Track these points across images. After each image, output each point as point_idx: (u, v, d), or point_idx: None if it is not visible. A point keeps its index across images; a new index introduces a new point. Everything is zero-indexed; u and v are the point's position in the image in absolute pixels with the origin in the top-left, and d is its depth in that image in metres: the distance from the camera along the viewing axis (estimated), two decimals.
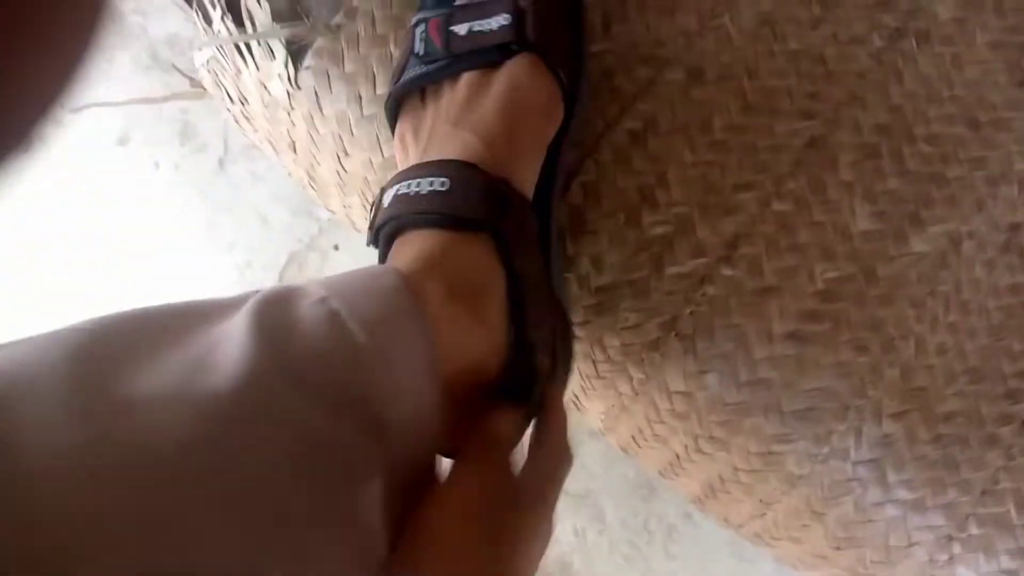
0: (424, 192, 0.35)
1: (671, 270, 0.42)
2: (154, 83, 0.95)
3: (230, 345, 0.27)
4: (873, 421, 0.40)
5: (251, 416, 0.25)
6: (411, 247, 0.36)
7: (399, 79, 0.41)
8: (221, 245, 0.97)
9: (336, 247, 0.96)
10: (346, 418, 0.28)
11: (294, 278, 0.94)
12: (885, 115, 0.44)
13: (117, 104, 0.55)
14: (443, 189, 0.35)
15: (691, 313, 0.42)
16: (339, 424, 0.27)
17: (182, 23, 0.99)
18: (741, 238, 0.42)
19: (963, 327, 0.42)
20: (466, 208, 0.35)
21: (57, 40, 0.15)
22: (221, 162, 0.99)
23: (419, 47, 0.40)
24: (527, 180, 0.38)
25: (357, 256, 0.94)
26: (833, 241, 0.42)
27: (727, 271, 0.42)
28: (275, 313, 0.29)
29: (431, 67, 0.39)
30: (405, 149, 0.41)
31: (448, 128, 0.38)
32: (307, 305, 0.30)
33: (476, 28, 0.39)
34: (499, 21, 0.39)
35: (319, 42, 0.47)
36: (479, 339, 0.34)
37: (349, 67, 0.46)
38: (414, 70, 0.40)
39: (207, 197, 0.98)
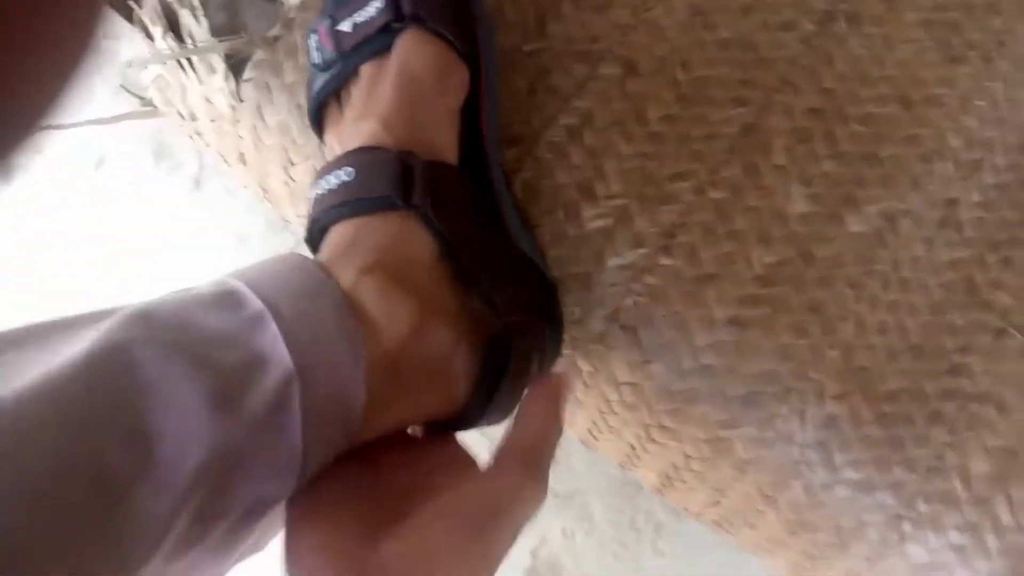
0: (333, 187, 0.36)
1: (612, 262, 0.42)
2: (125, 106, 0.96)
3: (89, 333, 0.28)
4: (816, 403, 0.40)
5: (94, 374, 0.26)
6: (328, 241, 0.36)
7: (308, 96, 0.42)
8: (199, 264, 0.97)
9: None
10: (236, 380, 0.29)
11: None
12: (817, 98, 0.44)
13: (66, 127, 0.56)
14: (348, 179, 0.36)
15: (633, 304, 0.42)
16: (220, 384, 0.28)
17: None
18: (679, 227, 0.42)
19: (904, 305, 0.42)
20: (371, 189, 0.35)
21: (49, 55, 0.15)
22: (196, 181, 0.99)
23: (315, 57, 0.41)
24: (440, 147, 0.39)
25: None
26: (770, 226, 0.42)
27: (666, 260, 0.42)
28: (158, 301, 0.30)
29: (329, 74, 0.40)
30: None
31: (354, 123, 0.39)
32: (202, 288, 0.31)
33: (358, 20, 0.39)
34: (376, 6, 0.39)
35: (258, 55, 0.47)
36: (415, 308, 0.34)
37: (289, 77, 0.47)
38: (317, 82, 0.41)
39: (184, 216, 0.98)
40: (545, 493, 0.31)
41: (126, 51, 0.96)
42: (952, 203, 0.43)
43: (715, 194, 0.43)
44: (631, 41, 0.46)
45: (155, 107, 0.55)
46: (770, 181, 0.43)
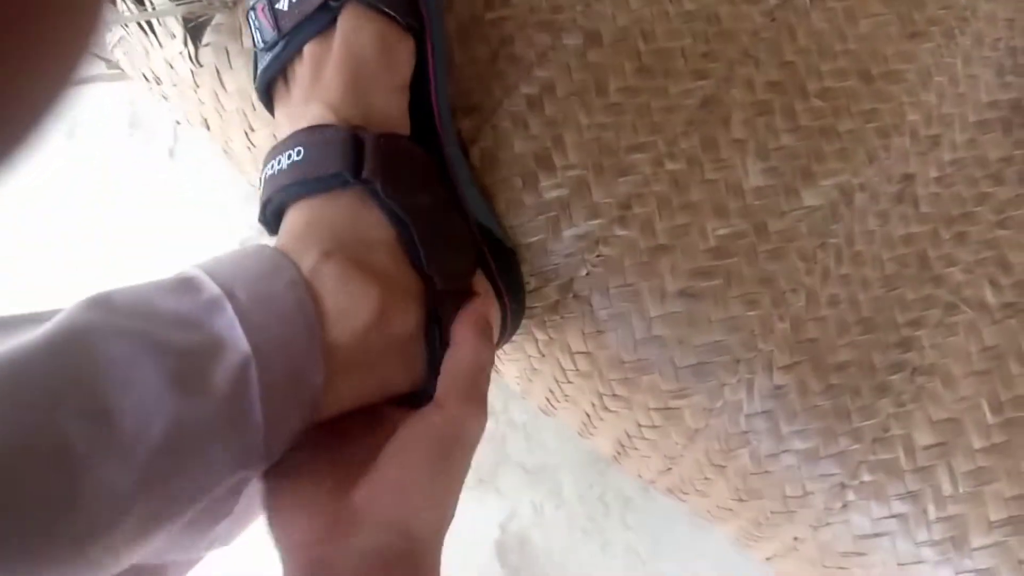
0: (284, 167, 0.36)
1: (568, 232, 0.43)
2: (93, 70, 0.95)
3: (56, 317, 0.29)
4: (764, 374, 0.41)
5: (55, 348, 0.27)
6: (285, 224, 0.36)
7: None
8: (179, 238, 0.96)
9: None
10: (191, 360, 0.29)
11: None
12: (778, 72, 0.44)
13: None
14: (299, 158, 0.36)
15: (587, 274, 0.42)
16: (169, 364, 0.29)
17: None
18: (635, 198, 0.42)
19: (856, 279, 0.42)
20: (322, 167, 0.35)
21: (53, 47, 0.15)
22: (171, 151, 0.98)
23: (256, 37, 0.40)
24: (391, 121, 0.39)
25: None
26: (725, 198, 0.42)
27: (621, 231, 0.42)
28: (119, 288, 0.30)
29: (272, 53, 0.40)
30: None
31: (301, 105, 0.38)
32: (163, 278, 0.31)
33: None
34: None
35: (217, 18, 0.47)
36: (376, 291, 0.35)
37: (248, 42, 0.47)
38: (261, 62, 0.40)
39: (159, 189, 0.98)
40: (486, 417, 0.34)
41: None
42: (909, 178, 0.43)
43: (672, 166, 0.43)
44: (594, 11, 0.46)
45: (122, 70, 0.55)
46: (728, 154, 0.43)
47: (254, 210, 0.99)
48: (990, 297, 0.42)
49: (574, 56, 0.45)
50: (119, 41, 0.52)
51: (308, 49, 0.39)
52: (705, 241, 0.42)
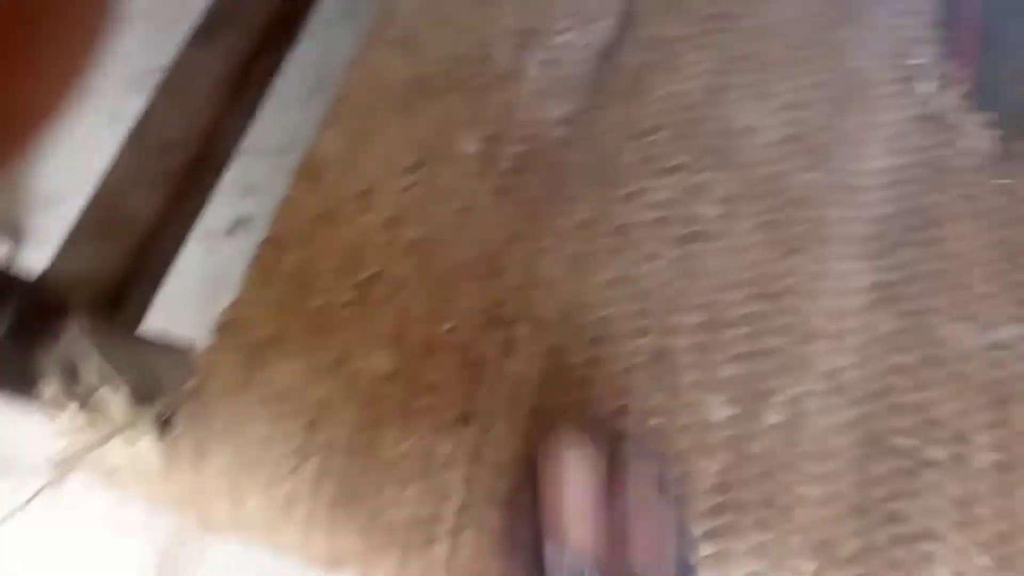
0: None
1: None
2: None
3: None
4: None
5: None
6: None
7: None
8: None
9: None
10: None
11: None
12: (701, 313, 0.51)
13: None
14: None
15: None
16: None
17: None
18: None
19: (833, 474, 0.48)
20: None
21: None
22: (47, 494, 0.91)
23: None
24: None
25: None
26: (704, 436, 0.47)
27: None
28: None
29: None
30: None
31: None
32: None
33: None
34: None
35: (183, 408, 0.47)
36: None
37: (220, 423, 0.47)
38: None
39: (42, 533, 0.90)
40: None
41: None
42: (836, 372, 0.51)
43: (651, 422, 0.47)
44: (531, 297, 0.51)
45: (63, 478, 0.53)
46: (691, 397, 0.48)
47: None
48: (938, 453, 0.49)
49: (533, 343, 0.49)
50: (67, 456, 0.50)
51: None
52: (706, 481, 0.46)
